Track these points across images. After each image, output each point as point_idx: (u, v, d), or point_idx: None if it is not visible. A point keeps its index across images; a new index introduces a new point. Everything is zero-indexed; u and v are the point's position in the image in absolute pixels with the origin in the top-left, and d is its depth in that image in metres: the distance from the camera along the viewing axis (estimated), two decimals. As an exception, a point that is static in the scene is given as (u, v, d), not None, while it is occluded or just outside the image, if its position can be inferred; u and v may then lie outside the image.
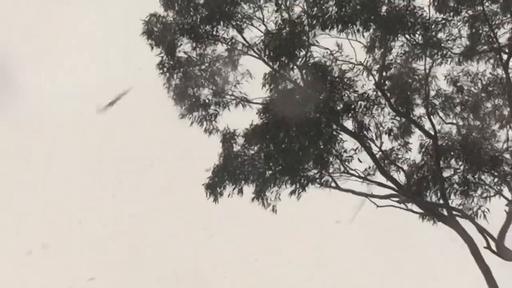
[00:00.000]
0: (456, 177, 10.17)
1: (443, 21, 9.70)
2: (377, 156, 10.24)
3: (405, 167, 10.43)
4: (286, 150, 9.73)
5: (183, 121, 10.65)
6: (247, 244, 12.62)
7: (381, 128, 10.02)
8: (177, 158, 13.22)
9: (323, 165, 9.69)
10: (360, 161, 10.06)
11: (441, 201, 10.12)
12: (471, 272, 10.04)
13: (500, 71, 9.91)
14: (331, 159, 9.86)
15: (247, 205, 10.60)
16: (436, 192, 10.13)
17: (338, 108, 9.81)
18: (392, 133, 10.06)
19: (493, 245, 10.06)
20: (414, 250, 10.93)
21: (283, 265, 12.54)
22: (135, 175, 13.51)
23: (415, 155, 10.41)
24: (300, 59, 9.79)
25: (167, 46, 10.08)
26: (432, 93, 10.18)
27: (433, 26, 9.66)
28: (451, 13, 9.75)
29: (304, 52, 9.78)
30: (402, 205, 10.30)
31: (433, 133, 10.05)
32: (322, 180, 9.86)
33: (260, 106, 10.06)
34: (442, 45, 9.73)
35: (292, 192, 9.95)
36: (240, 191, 10.51)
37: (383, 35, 9.73)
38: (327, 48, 9.83)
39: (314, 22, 9.63)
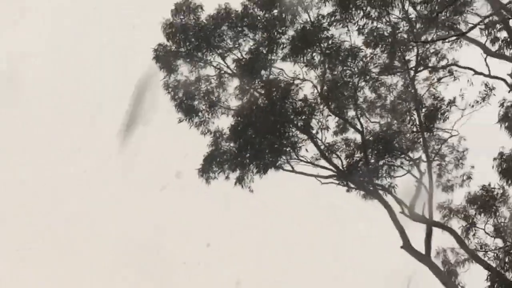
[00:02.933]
0: (380, 162, 13.85)
1: (370, 54, 13.55)
2: (322, 147, 14.05)
3: (343, 155, 14.17)
4: (252, 143, 13.68)
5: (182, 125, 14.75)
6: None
7: (322, 126, 13.85)
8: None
9: (277, 153, 13.58)
10: (307, 150, 13.89)
11: (368, 180, 13.80)
12: (390, 232, 13.61)
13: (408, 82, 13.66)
14: (284, 148, 13.73)
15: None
16: (364, 172, 13.80)
17: (289, 112, 13.72)
18: (329, 130, 13.87)
19: (406, 211, 13.64)
20: (349, 218, 14.59)
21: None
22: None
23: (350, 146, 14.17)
24: (262, 77, 13.81)
25: (169, 69, 14.27)
26: (361, 99, 13.95)
27: (360, 56, 13.52)
28: (374, 45, 13.56)
29: (265, 72, 13.80)
30: (340, 183, 14.05)
31: (361, 129, 13.80)
32: (277, 164, 13.74)
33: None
34: (367, 67, 13.55)
35: (257, 173, 13.86)
36: (227, 177, 14.47)
37: (323, 62, 13.66)
38: (281, 69, 13.82)
39: (272, 53, 13.71)
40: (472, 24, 12.98)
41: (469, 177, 14.16)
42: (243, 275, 15.78)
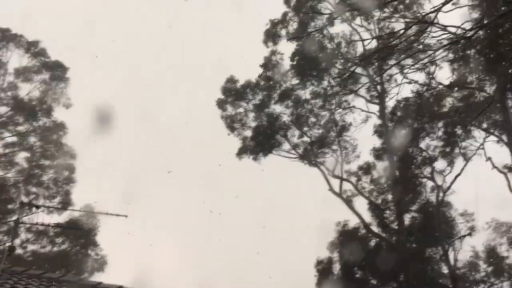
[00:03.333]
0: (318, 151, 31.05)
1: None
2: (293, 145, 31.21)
3: (302, 148, 31.31)
4: (261, 142, 30.75)
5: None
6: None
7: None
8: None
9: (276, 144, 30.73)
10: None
11: (312, 159, 30.97)
12: (326, 193, 30.68)
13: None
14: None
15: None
16: (310, 155, 30.96)
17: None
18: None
19: (330, 173, 30.80)
20: (300, 184, 31.82)
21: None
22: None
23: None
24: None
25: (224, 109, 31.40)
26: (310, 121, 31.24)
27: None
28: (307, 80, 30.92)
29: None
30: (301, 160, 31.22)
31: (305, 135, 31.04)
32: (274, 150, 30.79)
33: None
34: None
35: (263, 155, 30.90)
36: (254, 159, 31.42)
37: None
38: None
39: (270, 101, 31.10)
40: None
41: (359, 158, 31.44)
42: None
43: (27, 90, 31.57)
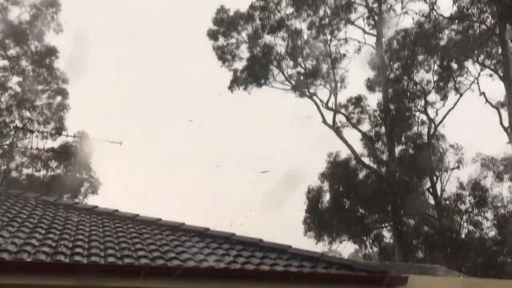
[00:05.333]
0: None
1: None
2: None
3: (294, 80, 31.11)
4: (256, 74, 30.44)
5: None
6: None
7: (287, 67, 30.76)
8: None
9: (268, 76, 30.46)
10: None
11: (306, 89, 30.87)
12: (319, 125, 30.76)
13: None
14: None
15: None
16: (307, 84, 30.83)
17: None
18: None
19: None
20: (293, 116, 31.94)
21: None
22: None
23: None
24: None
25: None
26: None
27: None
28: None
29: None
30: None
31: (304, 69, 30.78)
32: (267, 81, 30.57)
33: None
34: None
35: (257, 85, 30.70)
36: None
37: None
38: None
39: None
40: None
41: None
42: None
43: (17, 13, 30.66)
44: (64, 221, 8.07)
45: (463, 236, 27.77)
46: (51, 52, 30.82)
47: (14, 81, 30.73)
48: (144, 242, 7.10)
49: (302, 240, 28.87)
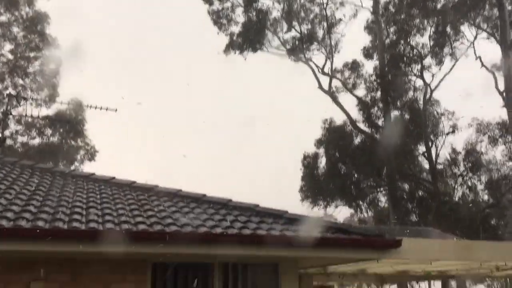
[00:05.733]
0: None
1: None
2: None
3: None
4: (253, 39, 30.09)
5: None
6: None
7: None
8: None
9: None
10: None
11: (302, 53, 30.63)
12: (315, 91, 30.61)
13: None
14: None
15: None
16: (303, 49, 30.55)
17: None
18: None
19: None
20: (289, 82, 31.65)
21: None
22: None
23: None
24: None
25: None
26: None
27: None
28: None
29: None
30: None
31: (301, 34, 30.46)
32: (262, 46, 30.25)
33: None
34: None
35: (252, 50, 30.38)
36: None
37: None
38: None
39: None
40: None
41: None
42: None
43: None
44: (62, 188, 8.10)
45: (456, 199, 28.12)
46: (43, 18, 30.31)
47: (6, 49, 30.32)
48: (141, 208, 7.16)
49: (298, 208, 29.18)
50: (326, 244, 6.60)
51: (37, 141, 31.18)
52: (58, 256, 5.92)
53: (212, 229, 6.34)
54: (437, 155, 28.80)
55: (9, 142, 29.23)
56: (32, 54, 30.67)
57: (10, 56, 30.38)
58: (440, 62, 29.18)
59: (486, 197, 28.39)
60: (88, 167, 31.56)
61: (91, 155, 34.50)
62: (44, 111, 28.70)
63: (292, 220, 7.27)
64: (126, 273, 6.36)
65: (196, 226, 6.37)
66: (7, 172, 8.81)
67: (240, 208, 7.67)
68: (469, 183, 28.22)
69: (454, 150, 28.82)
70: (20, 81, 30.34)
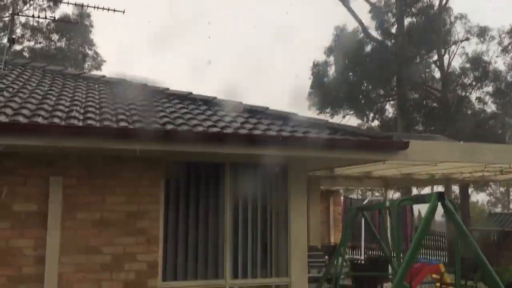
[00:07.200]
0: None
1: None
2: None
3: None
4: None
5: None
6: None
7: None
8: None
9: None
10: None
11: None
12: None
13: None
14: None
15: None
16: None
17: None
18: None
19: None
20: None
21: None
22: None
23: None
24: None
25: None
26: None
27: None
28: None
29: None
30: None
31: None
32: None
33: None
34: None
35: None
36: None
37: None
38: None
39: None
40: None
41: None
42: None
43: None
44: (74, 89, 8.18)
45: (464, 109, 28.10)
46: None
47: None
48: (153, 109, 7.25)
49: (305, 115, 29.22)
50: (335, 145, 6.73)
51: (44, 44, 30.90)
52: (75, 152, 6.11)
53: (223, 129, 6.46)
54: (449, 64, 28.40)
55: (17, 47, 29.05)
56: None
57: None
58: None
59: (494, 107, 28.39)
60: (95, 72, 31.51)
61: (98, 64, 34.38)
62: (50, 15, 28.11)
63: (302, 122, 7.37)
64: (141, 170, 6.59)
65: (207, 127, 6.49)
66: (18, 74, 8.86)
67: (250, 111, 7.76)
68: (477, 93, 28.09)
69: (465, 59, 28.36)
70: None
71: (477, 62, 27.70)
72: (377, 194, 30.60)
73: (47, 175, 6.16)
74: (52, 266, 5.99)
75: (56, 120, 5.75)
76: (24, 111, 5.88)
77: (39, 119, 5.66)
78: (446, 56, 28.63)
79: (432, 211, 3.41)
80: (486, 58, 27.78)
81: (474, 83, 27.89)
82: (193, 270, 6.83)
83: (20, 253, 5.96)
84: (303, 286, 7.17)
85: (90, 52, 34.21)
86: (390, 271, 8.85)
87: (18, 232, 5.99)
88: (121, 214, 6.42)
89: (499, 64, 27.78)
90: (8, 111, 5.81)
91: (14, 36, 10.76)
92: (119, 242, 6.36)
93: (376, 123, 31.64)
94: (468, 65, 28.17)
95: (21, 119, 5.57)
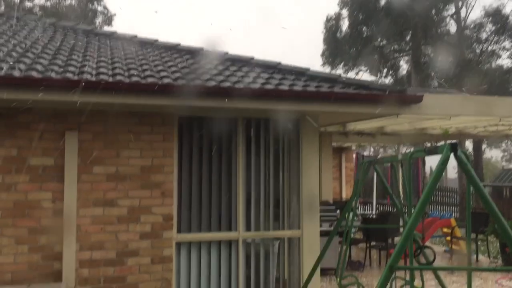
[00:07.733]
0: None
1: None
2: None
3: None
4: None
5: None
6: None
7: None
8: None
9: None
10: None
11: None
12: None
13: None
14: None
15: None
16: None
17: None
18: None
19: None
20: None
21: None
22: None
23: None
24: None
25: None
26: None
27: None
28: None
29: None
30: None
31: None
32: None
33: None
34: None
35: None
36: None
37: None
38: None
39: None
40: None
41: None
42: None
43: None
44: (85, 44, 8.17)
45: (480, 64, 27.61)
46: None
47: None
48: (165, 64, 7.24)
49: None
50: (348, 99, 6.70)
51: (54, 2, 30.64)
52: (89, 107, 6.16)
53: (234, 84, 6.45)
54: (466, 18, 27.72)
55: (28, 3, 28.85)
56: None
57: None
58: None
59: (509, 62, 27.82)
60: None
61: (108, 19, 34.09)
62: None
63: (314, 77, 7.32)
64: (154, 125, 6.64)
65: (219, 81, 6.48)
66: (30, 29, 8.85)
67: (262, 66, 7.71)
68: (494, 48, 27.48)
69: (482, 13, 27.64)
70: None
71: (495, 15, 26.99)
72: (389, 151, 30.60)
73: (63, 129, 6.24)
74: (70, 218, 6.16)
75: (69, 75, 5.78)
76: (38, 67, 5.91)
77: (52, 74, 5.69)
78: (463, 9, 27.93)
79: (444, 162, 3.41)
80: (505, 11, 27.04)
81: (491, 37, 27.26)
82: (207, 223, 6.98)
83: (39, 206, 6.12)
84: (315, 239, 7.30)
85: (99, 8, 33.89)
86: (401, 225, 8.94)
87: (36, 185, 6.13)
88: (136, 168, 6.53)
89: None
90: (22, 66, 5.85)
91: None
92: (134, 195, 6.50)
93: (390, 79, 31.27)
94: (485, 19, 27.47)
95: (34, 74, 5.60)
